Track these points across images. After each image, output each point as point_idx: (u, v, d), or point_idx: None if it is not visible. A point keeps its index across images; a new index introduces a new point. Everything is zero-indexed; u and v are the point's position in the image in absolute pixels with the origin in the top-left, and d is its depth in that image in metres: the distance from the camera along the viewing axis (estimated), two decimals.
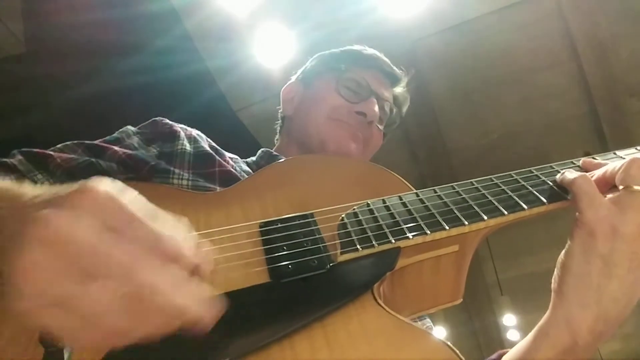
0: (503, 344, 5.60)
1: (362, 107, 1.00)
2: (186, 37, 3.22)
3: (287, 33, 3.27)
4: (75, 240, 0.35)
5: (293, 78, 1.17)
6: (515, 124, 4.34)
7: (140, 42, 2.95)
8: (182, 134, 0.88)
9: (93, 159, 0.77)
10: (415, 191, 0.69)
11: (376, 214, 0.63)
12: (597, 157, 0.70)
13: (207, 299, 0.38)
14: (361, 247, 0.58)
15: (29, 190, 0.45)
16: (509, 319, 5.52)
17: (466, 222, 0.60)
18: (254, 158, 1.00)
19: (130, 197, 0.39)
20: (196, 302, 0.37)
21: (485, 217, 0.60)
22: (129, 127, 0.89)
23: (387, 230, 0.60)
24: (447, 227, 0.60)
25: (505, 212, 0.61)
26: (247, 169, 0.94)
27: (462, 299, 0.67)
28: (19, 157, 0.74)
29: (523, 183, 0.66)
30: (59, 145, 0.80)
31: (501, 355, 0.67)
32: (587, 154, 0.74)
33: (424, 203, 0.65)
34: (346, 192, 0.69)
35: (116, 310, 0.35)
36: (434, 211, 0.63)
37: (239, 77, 3.58)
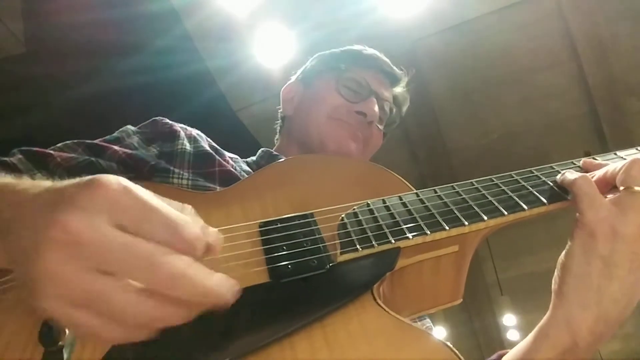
0: (503, 344, 5.60)
1: (362, 107, 1.00)
2: (186, 37, 3.22)
3: (287, 33, 3.27)
4: (93, 240, 0.35)
5: (293, 78, 1.17)
6: (515, 124, 4.35)
7: (140, 42, 2.95)
8: (182, 134, 0.88)
9: (93, 159, 0.77)
10: (415, 191, 0.69)
11: (376, 214, 0.63)
12: (597, 158, 0.69)
13: (227, 279, 0.39)
14: (361, 247, 0.58)
15: (30, 186, 0.44)
16: (509, 319, 5.52)
17: (466, 223, 0.60)
18: (254, 158, 1.00)
19: (140, 189, 0.39)
20: (219, 282, 0.39)
21: (485, 218, 0.60)
22: (129, 126, 0.89)
23: (387, 230, 0.60)
24: (447, 228, 0.59)
25: (506, 213, 0.61)
26: (247, 168, 0.94)
27: (462, 299, 0.67)
28: (19, 156, 0.74)
29: (523, 183, 0.66)
30: (59, 145, 0.80)
31: (501, 356, 0.67)
32: (587, 154, 0.74)
33: (424, 203, 0.65)
34: (346, 192, 0.69)
35: (143, 303, 0.36)
36: (434, 211, 0.63)
37: (239, 77, 3.58)
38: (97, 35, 2.85)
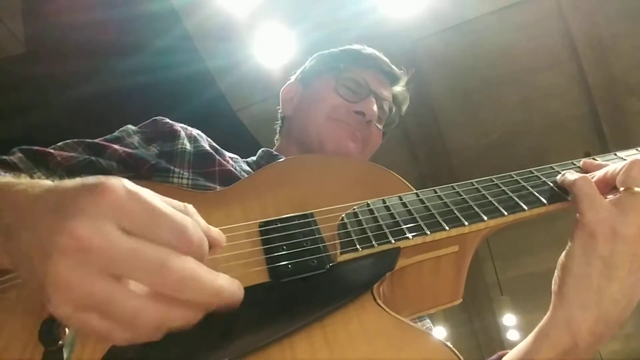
0: (503, 344, 5.60)
1: (360, 107, 1.00)
2: (186, 37, 3.22)
3: (287, 33, 3.27)
4: (101, 246, 0.35)
5: (292, 78, 1.17)
6: (515, 124, 4.35)
7: (140, 42, 2.95)
8: (183, 133, 0.88)
9: (93, 158, 0.77)
10: (415, 191, 0.69)
11: (376, 214, 0.63)
12: (597, 158, 0.69)
13: (232, 280, 0.40)
14: (361, 247, 0.58)
15: (29, 186, 0.44)
16: (509, 319, 5.52)
17: (466, 223, 0.60)
18: (254, 158, 1.00)
19: (145, 192, 0.39)
20: (228, 282, 0.39)
21: (486, 218, 0.60)
22: (129, 126, 0.89)
23: (387, 230, 0.60)
24: (447, 228, 0.59)
25: (506, 213, 0.61)
26: (248, 168, 0.94)
27: (462, 300, 0.67)
28: (19, 154, 0.74)
29: (523, 184, 0.66)
30: (59, 144, 0.80)
31: (501, 357, 0.67)
32: (587, 154, 0.74)
33: (424, 203, 0.65)
34: (346, 192, 0.69)
35: (152, 307, 0.36)
36: (434, 211, 0.63)
37: (239, 77, 3.58)
38: (97, 35, 2.85)
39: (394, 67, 1.11)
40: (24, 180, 0.47)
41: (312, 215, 0.65)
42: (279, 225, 0.62)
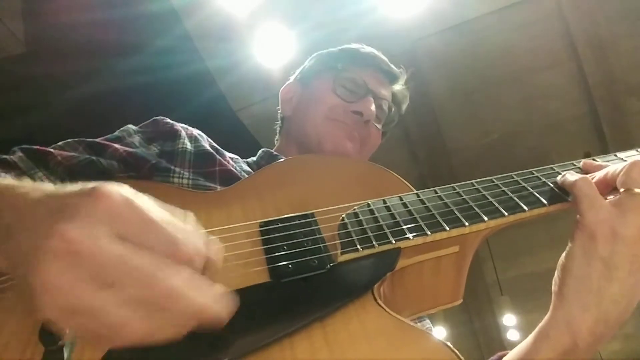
0: (503, 344, 5.60)
1: (358, 106, 0.99)
2: (186, 37, 3.22)
3: (287, 33, 3.27)
4: (92, 252, 0.35)
5: (291, 78, 1.17)
6: (515, 124, 4.34)
7: (140, 42, 2.95)
8: (183, 133, 0.88)
9: (94, 157, 0.77)
10: (415, 192, 0.69)
11: (377, 214, 0.63)
12: (597, 159, 0.70)
13: (223, 296, 0.39)
14: (361, 248, 0.58)
15: (30, 190, 0.44)
16: (509, 319, 5.51)
17: (466, 223, 0.60)
18: (254, 158, 1.00)
19: (142, 201, 0.39)
20: (214, 300, 0.38)
21: (486, 218, 0.60)
22: (130, 125, 0.89)
23: (387, 230, 0.60)
24: (447, 228, 0.59)
25: (506, 213, 0.61)
26: (248, 168, 0.94)
27: (462, 300, 0.67)
28: (19, 154, 0.73)
29: (523, 184, 0.66)
30: (59, 143, 0.79)
31: (501, 357, 0.67)
32: (587, 155, 0.74)
33: (425, 204, 0.65)
34: (346, 192, 0.69)
35: (139, 316, 0.36)
36: (434, 212, 0.63)
37: (239, 77, 3.58)
38: (97, 35, 2.85)
39: (392, 65, 1.10)
40: (25, 184, 0.47)
41: (312, 215, 0.65)
42: (280, 225, 0.63)
